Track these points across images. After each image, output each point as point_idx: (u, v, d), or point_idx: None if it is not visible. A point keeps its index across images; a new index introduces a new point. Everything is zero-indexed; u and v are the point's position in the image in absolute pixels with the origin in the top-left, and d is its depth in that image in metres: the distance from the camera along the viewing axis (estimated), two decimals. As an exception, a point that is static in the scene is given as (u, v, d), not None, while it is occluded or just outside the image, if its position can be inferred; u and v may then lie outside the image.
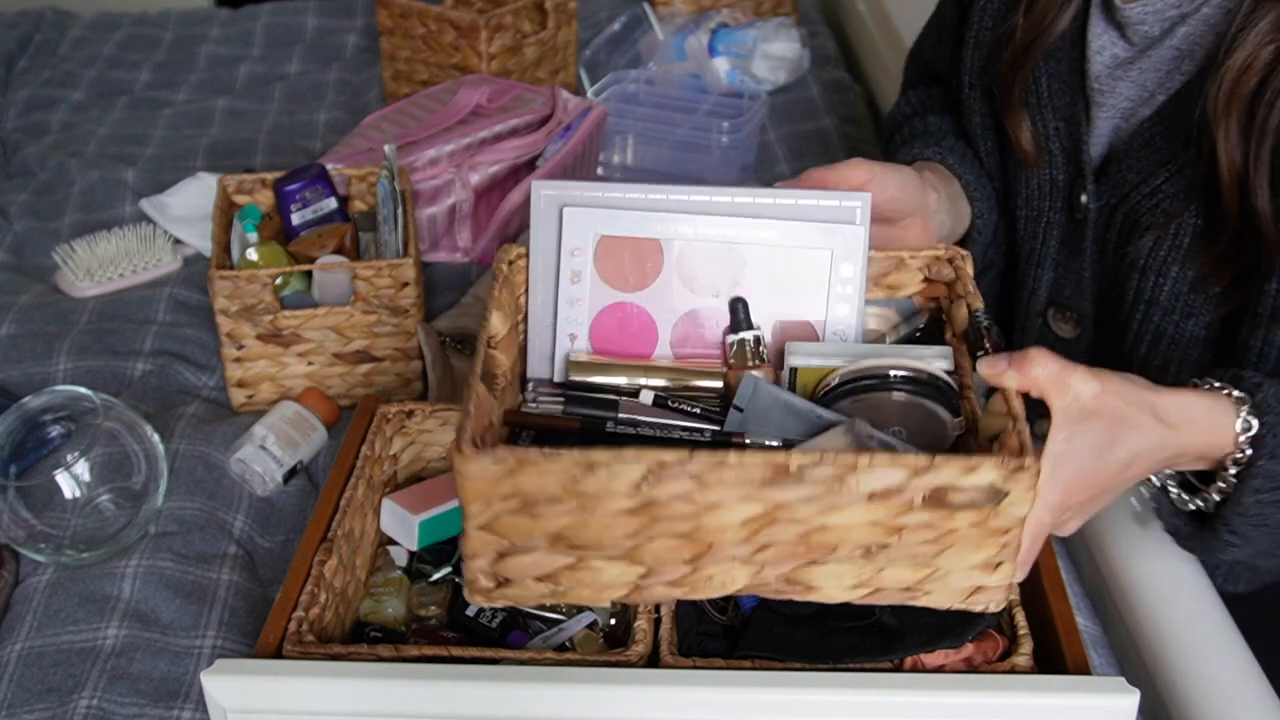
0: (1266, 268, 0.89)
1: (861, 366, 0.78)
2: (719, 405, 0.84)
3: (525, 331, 0.87)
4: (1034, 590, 0.87)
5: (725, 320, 0.85)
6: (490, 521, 0.70)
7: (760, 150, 1.74)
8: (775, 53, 1.91)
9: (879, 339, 0.90)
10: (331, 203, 1.34)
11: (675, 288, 0.84)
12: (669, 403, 0.80)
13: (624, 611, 0.92)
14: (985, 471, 0.67)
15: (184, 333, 1.37)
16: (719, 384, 0.84)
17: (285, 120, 1.91)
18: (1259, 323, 0.91)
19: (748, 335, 0.84)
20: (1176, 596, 1.00)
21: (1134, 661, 1.00)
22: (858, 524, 0.70)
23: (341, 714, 0.79)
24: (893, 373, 0.78)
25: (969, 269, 0.86)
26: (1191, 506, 0.86)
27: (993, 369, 0.74)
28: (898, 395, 0.77)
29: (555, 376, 0.86)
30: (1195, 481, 0.85)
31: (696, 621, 0.87)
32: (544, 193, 0.82)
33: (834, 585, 0.73)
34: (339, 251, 1.28)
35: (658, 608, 0.85)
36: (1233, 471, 0.81)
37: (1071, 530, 0.80)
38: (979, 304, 0.82)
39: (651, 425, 0.77)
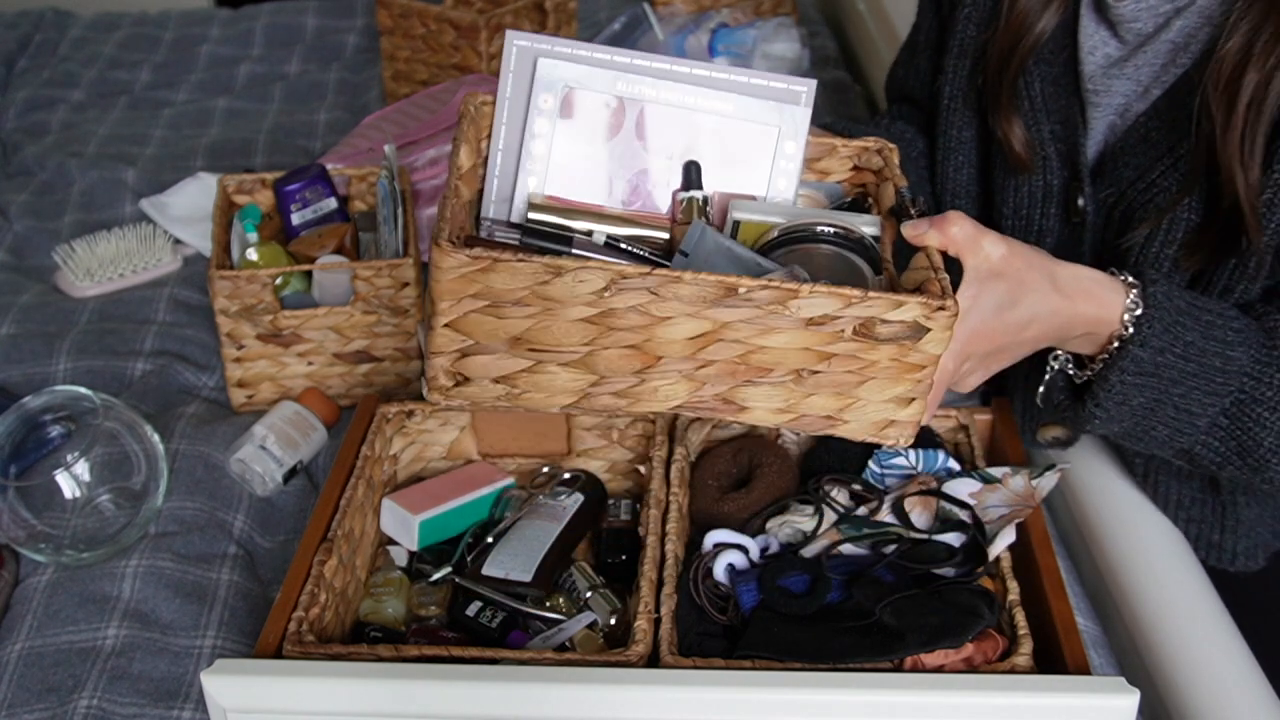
0: (1242, 248, 0.90)
1: (798, 222, 0.85)
2: (664, 255, 0.88)
3: (483, 175, 0.91)
4: (1034, 590, 0.87)
5: (674, 181, 0.91)
6: (457, 319, 0.76)
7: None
8: (775, 53, 1.91)
9: None
10: (331, 203, 1.34)
11: (632, 145, 0.89)
12: (620, 245, 0.86)
13: (624, 611, 0.92)
14: (911, 308, 0.75)
15: (184, 333, 1.37)
16: (665, 235, 0.89)
17: (285, 120, 1.91)
18: (1211, 293, 0.94)
19: (697, 194, 0.89)
20: (1176, 596, 1.00)
21: (1134, 661, 1.00)
22: (793, 348, 0.78)
23: (341, 714, 0.79)
24: (825, 229, 0.85)
25: (896, 159, 0.92)
26: (1080, 380, 0.93)
27: (915, 230, 0.82)
28: (827, 248, 0.84)
29: (511, 217, 0.90)
30: (1085, 359, 0.92)
31: (696, 621, 0.87)
32: (518, 43, 0.87)
33: (763, 407, 0.81)
34: (339, 251, 1.28)
35: (658, 608, 0.85)
36: (1113, 348, 0.87)
37: (972, 386, 0.88)
38: (903, 181, 0.88)
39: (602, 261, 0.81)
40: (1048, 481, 0.93)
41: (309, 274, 1.25)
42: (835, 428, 0.81)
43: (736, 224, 0.87)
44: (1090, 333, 0.88)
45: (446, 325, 0.76)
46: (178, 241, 1.54)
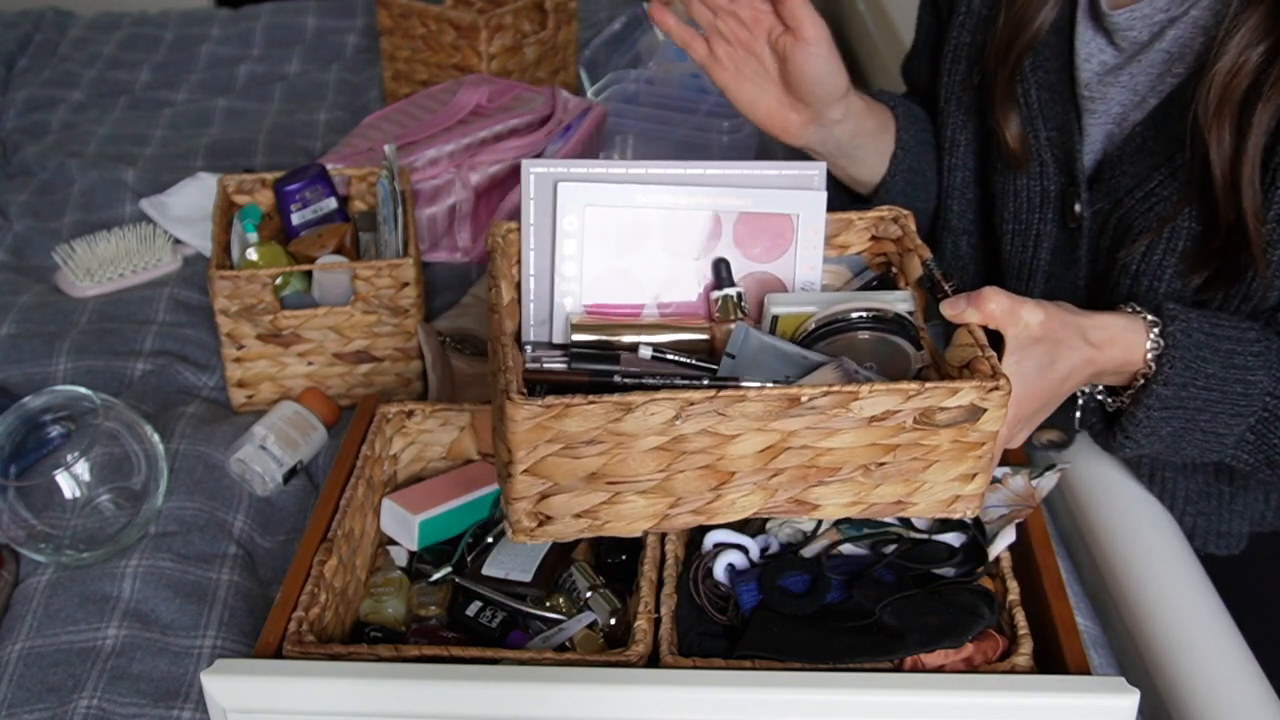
0: (1246, 264, 0.92)
1: (834, 310, 0.86)
2: (706, 357, 0.90)
3: (519, 299, 0.93)
4: (1034, 590, 0.87)
5: (704, 280, 0.93)
6: (534, 464, 0.77)
7: (760, 150, 1.74)
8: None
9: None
10: (331, 203, 1.34)
11: (659, 253, 0.92)
12: (667, 355, 0.87)
13: (624, 611, 0.92)
14: (966, 393, 0.77)
15: (184, 333, 1.37)
16: (704, 335, 0.91)
17: (285, 120, 1.91)
18: (1228, 306, 0.96)
19: (730, 291, 0.91)
20: (1177, 597, 1.00)
21: (1134, 661, 1.00)
22: (859, 446, 0.79)
23: (341, 714, 0.79)
24: (862, 314, 0.86)
25: (912, 225, 0.93)
26: (1111, 409, 0.97)
27: (954, 309, 0.83)
28: (867, 334, 0.86)
29: (553, 338, 0.92)
30: (1119, 389, 0.95)
31: (696, 621, 0.87)
32: (535, 171, 0.89)
33: (835, 503, 0.82)
34: (339, 251, 1.28)
35: (658, 607, 0.85)
36: (1138, 385, 0.91)
37: (1019, 442, 0.90)
38: (928, 254, 0.89)
39: (653, 375, 0.83)
40: (1048, 481, 0.93)
41: (309, 274, 1.25)
42: (905, 510, 0.83)
43: (775, 318, 0.89)
44: (1118, 372, 0.91)
45: (524, 471, 0.78)
46: (178, 241, 1.54)
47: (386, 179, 1.27)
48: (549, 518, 0.81)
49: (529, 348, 0.90)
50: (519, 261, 0.91)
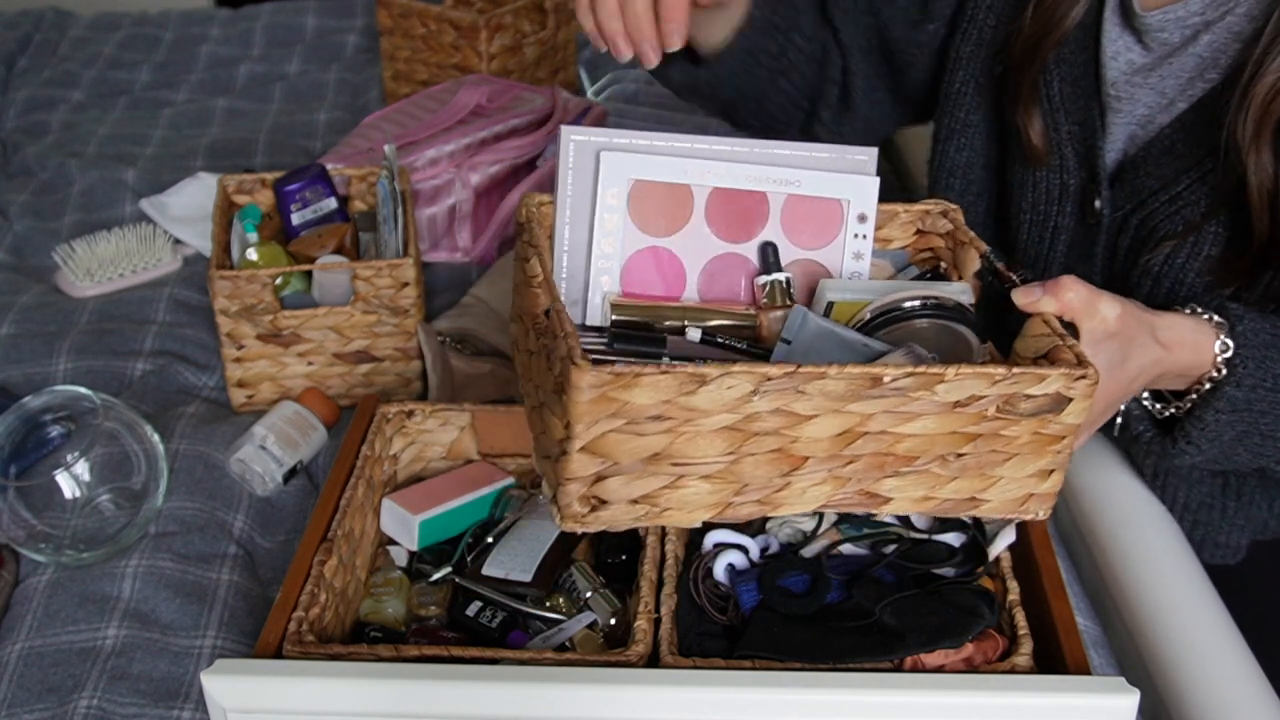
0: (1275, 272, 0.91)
1: (892, 298, 0.82)
2: (754, 343, 0.86)
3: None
4: (1034, 590, 0.87)
5: (749, 264, 0.88)
6: (593, 441, 0.71)
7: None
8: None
9: None
10: (331, 203, 1.34)
11: (703, 232, 0.87)
12: (717, 339, 0.83)
13: (624, 611, 0.92)
14: (1054, 380, 0.74)
15: (184, 333, 1.37)
16: (751, 323, 0.87)
17: (285, 120, 1.91)
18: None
19: (780, 277, 0.87)
20: (1176, 597, 1.00)
21: (1134, 661, 1.00)
22: (940, 433, 0.75)
23: (341, 714, 0.79)
24: (923, 301, 0.82)
25: (961, 218, 0.90)
26: (1164, 415, 0.95)
27: (1028, 297, 0.80)
28: (927, 323, 0.82)
29: (586, 319, 0.87)
30: (1168, 395, 0.94)
31: (696, 621, 0.87)
32: (575, 138, 0.83)
33: (906, 496, 0.79)
34: (339, 251, 1.28)
35: (658, 607, 0.85)
36: (1206, 388, 0.89)
37: (1083, 442, 0.88)
38: (985, 247, 0.86)
39: (702, 360, 0.78)
40: None
41: (309, 274, 1.24)
42: (977, 508, 0.80)
43: (830, 304, 0.85)
44: (1183, 374, 0.89)
45: (582, 449, 0.72)
46: (178, 241, 1.54)
47: (386, 179, 1.27)
48: (604, 502, 0.74)
49: None
50: (550, 237, 0.86)
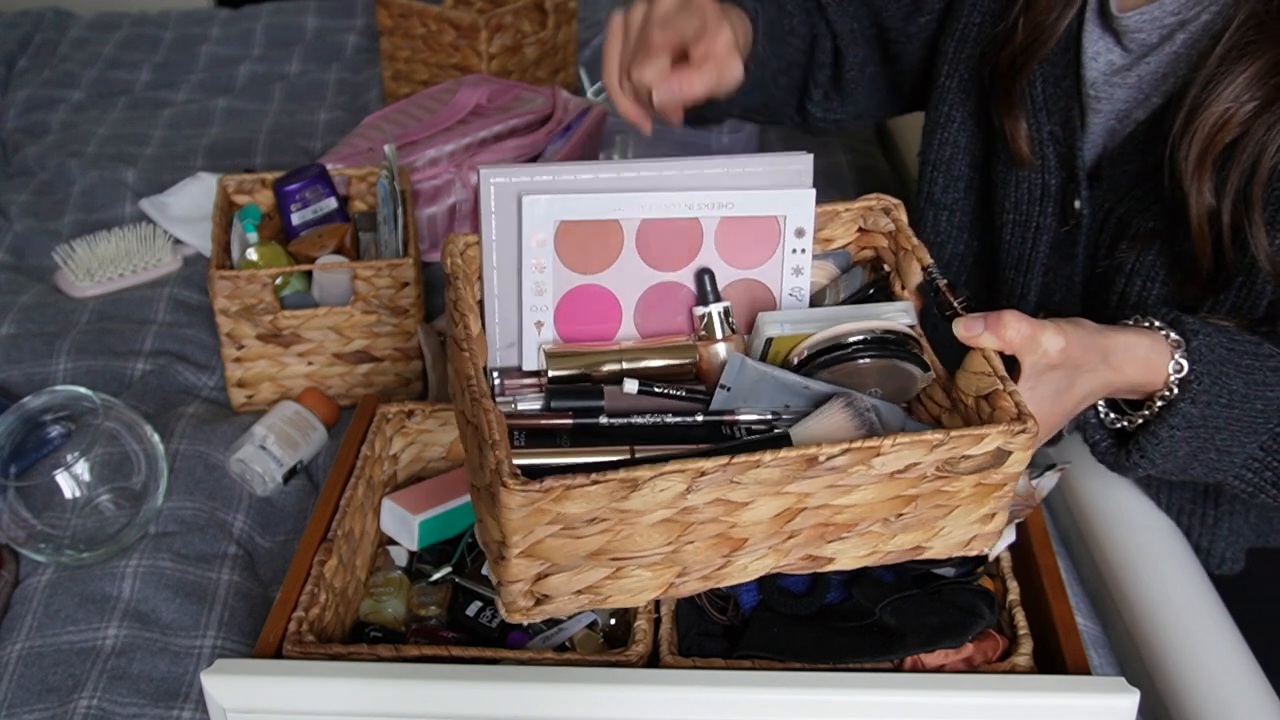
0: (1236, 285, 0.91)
1: (833, 334, 0.81)
2: (695, 382, 0.85)
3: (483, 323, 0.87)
4: (1034, 590, 0.87)
5: (686, 292, 0.86)
6: (530, 546, 0.71)
7: (760, 149, 1.74)
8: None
9: (822, 292, 0.91)
10: (331, 203, 1.34)
11: (636, 265, 0.85)
12: (655, 390, 0.81)
13: (624, 611, 0.92)
14: (993, 439, 0.72)
15: (184, 333, 1.37)
16: (690, 359, 0.85)
17: (285, 120, 1.91)
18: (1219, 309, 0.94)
19: (716, 308, 0.85)
20: (1176, 596, 1.00)
21: (1134, 661, 1.00)
22: (879, 501, 0.75)
23: (341, 714, 0.79)
24: (864, 337, 0.80)
25: (904, 216, 0.87)
26: (1117, 426, 0.93)
27: (970, 331, 0.78)
28: (869, 361, 0.80)
29: (523, 364, 0.86)
30: (1124, 406, 0.92)
31: (696, 621, 0.87)
32: (495, 180, 0.81)
33: (850, 555, 0.78)
34: (339, 251, 1.28)
35: (658, 608, 0.85)
36: (1158, 405, 0.87)
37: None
38: (928, 258, 0.84)
39: (641, 413, 0.78)
40: (1048, 481, 0.93)
41: (309, 274, 1.25)
42: (921, 554, 0.79)
43: (769, 341, 0.83)
44: (1136, 389, 0.88)
45: (520, 555, 0.71)
46: (178, 241, 1.54)
47: (386, 179, 1.27)
48: (547, 597, 0.74)
49: (496, 376, 0.84)
50: (480, 279, 0.84)
